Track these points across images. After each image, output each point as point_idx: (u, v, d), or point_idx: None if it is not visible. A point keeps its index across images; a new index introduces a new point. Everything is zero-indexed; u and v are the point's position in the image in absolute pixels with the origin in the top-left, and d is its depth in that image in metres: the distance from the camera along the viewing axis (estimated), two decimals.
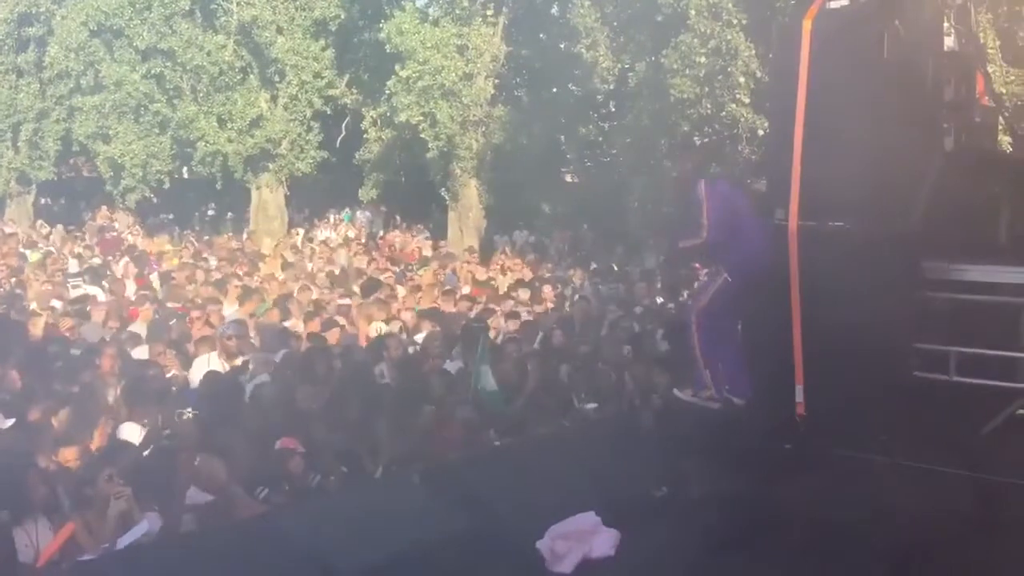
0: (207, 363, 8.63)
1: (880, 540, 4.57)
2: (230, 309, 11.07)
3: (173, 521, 5.32)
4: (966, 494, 4.92)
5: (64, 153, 25.87)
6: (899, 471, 5.22)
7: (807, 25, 5.64)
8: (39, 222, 23.58)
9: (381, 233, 23.30)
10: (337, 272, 15.20)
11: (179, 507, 5.44)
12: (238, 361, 8.81)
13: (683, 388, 6.34)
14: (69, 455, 6.04)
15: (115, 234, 20.89)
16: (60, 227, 21.73)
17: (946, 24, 6.42)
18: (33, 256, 16.81)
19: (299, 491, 5.84)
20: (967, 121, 6.43)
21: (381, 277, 14.58)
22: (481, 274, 15.76)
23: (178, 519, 5.37)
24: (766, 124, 9.20)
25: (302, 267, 15.85)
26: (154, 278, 14.35)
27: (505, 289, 13.81)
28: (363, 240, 22.01)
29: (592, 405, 8.00)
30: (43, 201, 27.22)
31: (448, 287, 13.69)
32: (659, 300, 13.12)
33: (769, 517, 4.88)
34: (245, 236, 22.36)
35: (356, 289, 13.25)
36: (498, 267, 17.09)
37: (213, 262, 16.57)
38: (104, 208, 25.10)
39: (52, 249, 18.36)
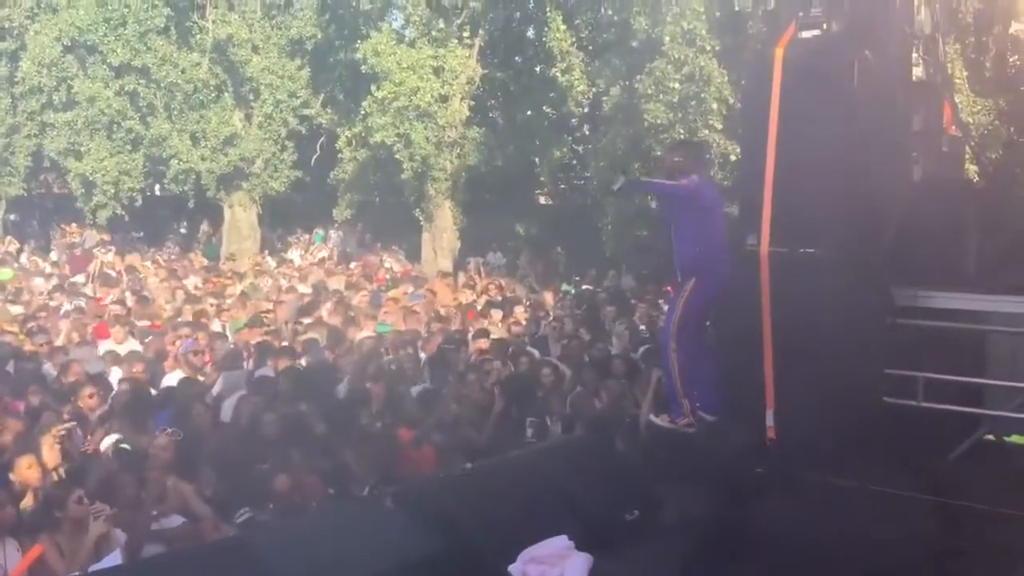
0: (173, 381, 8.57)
1: (848, 564, 4.59)
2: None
3: (139, 542, 5.25)
4: (934, 519, 4.96)
5: (35, 169, 25.61)
6: (868, 495, 5.27)
7: (779, 54, 5.73)
8: (8, 238, 23.31)
9: (338, 258, 23.00)
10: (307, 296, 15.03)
11: (146, 527, 5.37)
12: (201, 378, 8.76)
13: (659, 414, 6.33)
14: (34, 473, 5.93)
15: (84, 251, 20.69)
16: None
17: (915, 55, 6.54)
18: (2, 274, 16.62)
19: (282, 511, 5.80)
20: (935, 150, 6.55)
21: (355, 297, 14.53)
22: (451, 295, 15.73)
23: (143, 540, 5.30)
24: (738, 150, 9.29)
25: (273, 289, 15.73)
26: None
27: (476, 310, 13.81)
28: (335, 260, 21.96)
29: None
30: (12, 217, 26.91)
31: (415, 307, 13.61)
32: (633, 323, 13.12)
33: (740, 540, 4.89)
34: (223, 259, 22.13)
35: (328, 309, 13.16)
36: (469, 288, 17.08)
37: (192, 279, 16.49)
38: (73, 225, 24.85)
39: (20, 264, 18.21)
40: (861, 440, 5.40)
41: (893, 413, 5.60)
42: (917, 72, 6.54)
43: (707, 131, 15.84)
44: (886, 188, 5.84)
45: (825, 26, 5.80)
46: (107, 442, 6.74)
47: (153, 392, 8.24)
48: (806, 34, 5.81)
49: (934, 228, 5.94)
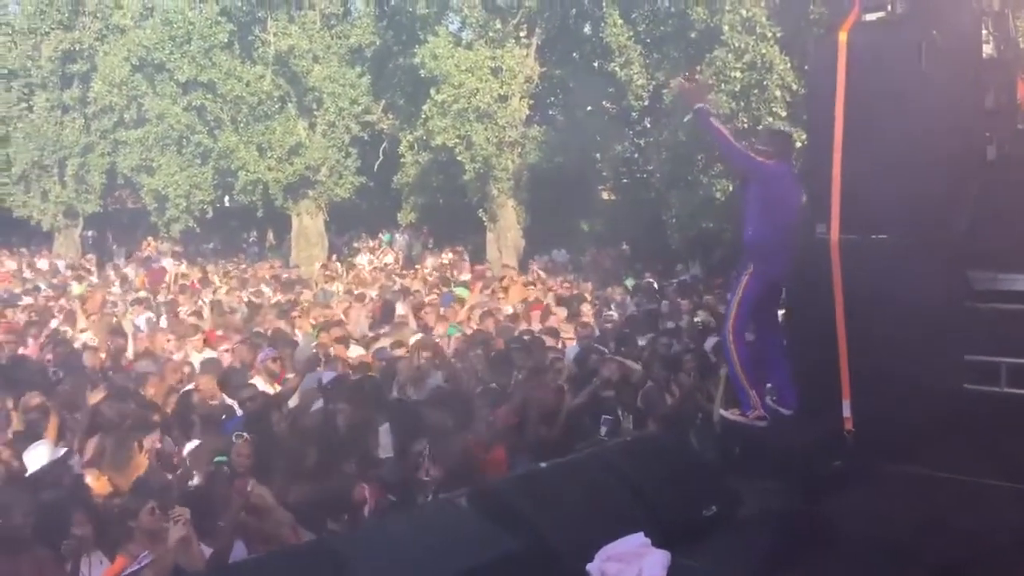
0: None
1: (931, 555, 4.50)
2: None
3: (223, 548, 5.34)
4: (1019, 507, 4.83)
5: (109, 186, 26.40)
6: (950, 485, 5.15)
7: (843, 38, 5.62)
8: (88, 256, 24.03)
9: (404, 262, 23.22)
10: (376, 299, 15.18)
11: (229, 533, 5.45)
12: (278, 386, 8.89)
13: (729, 408, 6.27)
14: (105, 485, 6.09)
15: (160, 265, 21.23)
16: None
17: (984, 31, 6.35)
18: (76, 290, 17.09)
19: (357, 519, 5.86)
20: (1009, 128, 6.35)
21: (426, 298, 14.68)
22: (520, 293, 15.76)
23: (229, 546, 5.39)
24: (804, 137, 9.13)
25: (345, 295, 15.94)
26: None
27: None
28: (401, 264, 22.20)
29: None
30: (90, 233, 27.74)
31: (486, 308, 13.67)
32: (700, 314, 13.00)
33: (819, 534, 4.83)
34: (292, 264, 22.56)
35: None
36: (535, 285, 17.09)
37: (266, 289, 16.81)
38: (149, 239, 25.53)
39: (95, 280, 18.74)
40: (942, 429, 5.27)
41: (975, 400, 5.46)
42: (987, 49, 6.36)
43: (771, 119, 15.59)
44: (959, 169, 5.69)
45: (890, 7, 5.67)
46: (189, 447, 6.91)
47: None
48: (870, 16, 5.69)
49: (1011, 208, 5.77)
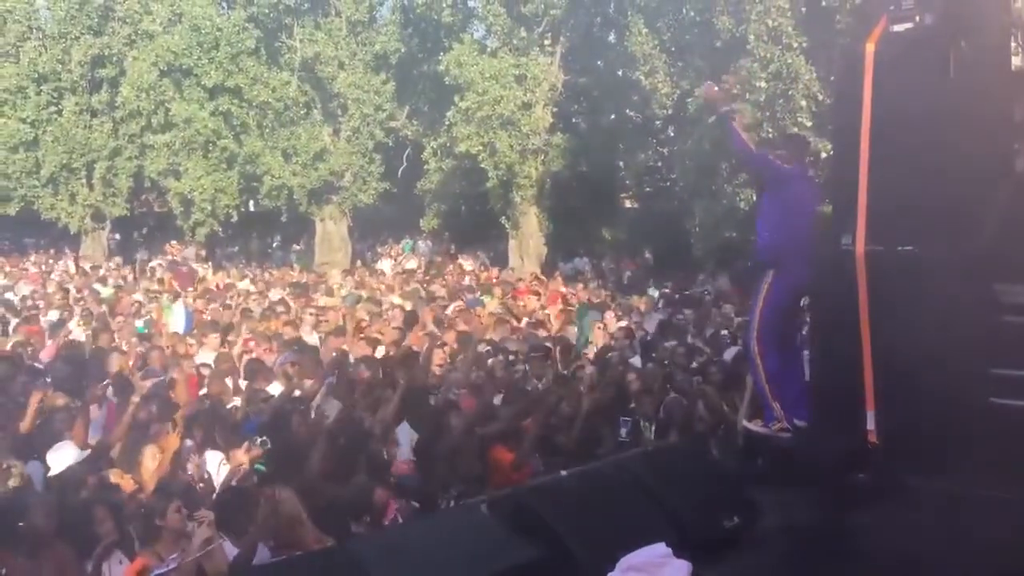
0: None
1: (955, 570, 4.46)
2: None
3: (249, 551, 5.35)
4: None
5: (136, 189, 26.61)
6: (975, 500, 5.10)
7: (870, 48, 5.59)
8: (115, 259, 24.24)
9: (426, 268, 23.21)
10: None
11: (256, 537, 5.46)
12: (296, 391, 8.91)
13: (753, 419, 6.24)
14: (129, 483, 6.14)
15: (187, 268, 21.38)
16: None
17: (1013, 43, 6.31)
18: (104, 292, 17.22)
19: (378, 524, 5.87)
20: None
21: (450, 306, 14.70)
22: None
23: (253, 548, 5.41)
24: (830, 147, 9.09)
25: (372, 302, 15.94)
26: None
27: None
28: (423, 270, 22.22)
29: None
30: (116, 236, 27.98)
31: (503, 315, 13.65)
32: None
33: (841, 547, 4.80)
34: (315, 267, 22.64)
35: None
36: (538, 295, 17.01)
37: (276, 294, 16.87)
38: (173, 242, 25.73)
39: (122, 282, 18.88)
40: (967, 443, 5.22)
41: (1001, 414, 5.40)
42: (1016, 61, 6.31)
43: (796, 129, 15.53)
44: (987, 181, 5.64)
45: (918, 18, 5.64)
46: (212, 459, 6.92)
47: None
48: (898, 27, 5.66)
49: None
